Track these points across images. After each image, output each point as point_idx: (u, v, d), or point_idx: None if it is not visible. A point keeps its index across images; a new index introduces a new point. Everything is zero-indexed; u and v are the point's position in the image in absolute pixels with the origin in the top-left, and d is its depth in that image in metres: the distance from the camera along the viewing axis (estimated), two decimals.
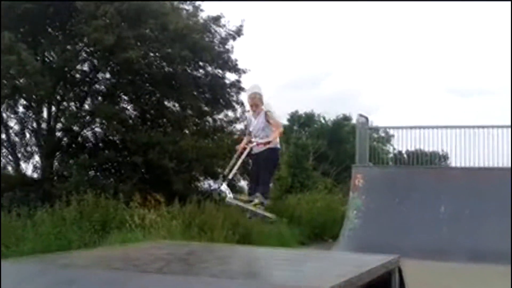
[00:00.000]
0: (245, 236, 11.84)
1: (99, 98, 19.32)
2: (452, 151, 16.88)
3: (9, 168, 18.17)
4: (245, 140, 7.96)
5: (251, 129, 7.80)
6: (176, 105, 20.31)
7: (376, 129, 27.58)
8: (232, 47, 20.13)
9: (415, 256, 9.92)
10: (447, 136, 16.63)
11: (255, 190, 7.70)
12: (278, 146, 7.83)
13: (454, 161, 17.14)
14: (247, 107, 20.87)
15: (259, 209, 7.66)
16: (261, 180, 7.59)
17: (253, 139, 7.72)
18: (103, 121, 18.49)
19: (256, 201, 7.47)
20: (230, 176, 7.66)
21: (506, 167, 15.30)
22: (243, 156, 7.55)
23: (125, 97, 19.93)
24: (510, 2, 24.77)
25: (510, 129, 15.59)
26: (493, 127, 16.02)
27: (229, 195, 7.74)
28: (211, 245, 8.76)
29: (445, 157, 20.70)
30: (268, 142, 7.44)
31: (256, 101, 7.64)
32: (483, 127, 16.17)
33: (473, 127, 16.30)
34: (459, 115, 49.60)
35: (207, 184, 19.42)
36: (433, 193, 15.18)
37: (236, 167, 7.62)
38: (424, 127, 17.14)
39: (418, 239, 13.79)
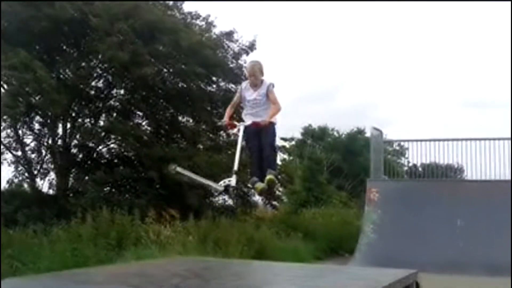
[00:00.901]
0: (260, 251, 11.81)
1: (114, 114, 19.44)
2: (468, 164, 16.76)
3: (25, 185, 18.29)
4: (229, 111, 6.92)
5: (247, 100, 6.72)
6: (190, 120, 20.41)
7: (391, 142, 27.45)
8: (245, 62, 20.20)
9: (431, 270, 9.83)
10: (462, 149, 16.52)
11: (259, 168, 6.69)
12: (274, 121, 6.77)
13: (470, 174, 17.00)
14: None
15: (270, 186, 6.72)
16: (264, 155, 6.58)
17: (245, 114, 6.82)
18: (118, 137, 18.59)
19: (271, 176, 6.48)
20: (236, 167, 6.43)
21: None
22: (240, 140, 6.54)
23: (140, 113, 20.05)
24: None
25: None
26: (509, 139, 15.89)
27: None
28: (226, 260, 8.75)
29: (460, 170, 20.56)
30: (270, 123, 6.60)
31: (256, 71, 6.64)
32: (498, 139, 16.06)
33: (489, 139, 16.19)
34: (475, 127, 49.22)
35: (221, 199, 19.42)
36: (449, 207, 15.07)
37: (238, 155, 6.48)
38: (438, 140, 17.06)
39: (434, 253, 13.68)
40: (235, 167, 6.38)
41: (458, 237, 14.38)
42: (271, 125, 6.66)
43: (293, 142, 36.03)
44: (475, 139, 16.35)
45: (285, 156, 32.39)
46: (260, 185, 6.61)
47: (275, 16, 51.15)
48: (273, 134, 6.82)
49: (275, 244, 13.09)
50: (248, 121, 6.65)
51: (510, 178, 15.58)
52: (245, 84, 6.80)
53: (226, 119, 6.76)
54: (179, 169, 6.64)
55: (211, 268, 5.71)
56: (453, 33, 55.65)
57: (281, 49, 54.20)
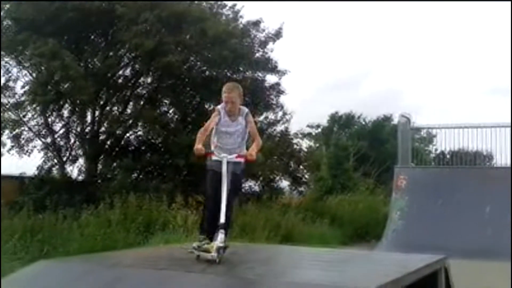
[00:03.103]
0: (286, 237, 11.84)
1: (141, 102, 19.61)
2: (497, 150, 16.52)
3: (55, 171, 18.57)
4: (201, 136, 5.37)
5: (222, 130, 5.49)
6: None
7: (418, 129, 27.15)
8: (272, 50, 20.18)
9: (459, 257, 9.73)
10: (491, 136, 16.28)
11: (216, 220, 5.04)
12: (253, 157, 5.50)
13: (499, 161, 16.77)
14: (287, 109, 20.55)
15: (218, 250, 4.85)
16: (227, 204, 5.03)
17: (215, 145, 5.53)
18: (146, 125, 18.76)
19: (220, 244, 4.85)
20: (223, 220, 4.96)
21: None
22: (225, 178, 5.14)
23: (167, 101, 20.22)
24: None
25: None
26: None
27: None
28: (253, 245, 8.78)
29: (489, 157, 20.26)
30: (251, 160, 5.47)
31: (235, 96, 5.47)
32: None
33: None
34: (503, 114, 48.43)
35: (248, 186, 19.46)
36: (477, 194, 14.89)
37: (225, 201, 5.04)
38: (467, 127, 16.81)
39: (462, 240, 13.54)
40: (222, 219, 4.91)
41: (487, 223, 14.22)
42: (241, 169, 5.50)
43: (319, 130, 36.03)
44: (504, 126, 16.08)
45: (311, 143, 32.41)
46: (213, 246, 4.88)
47: (301, 3, 50.84)
48: (242, 178, 5.87)
49: (301, 230, 13.10)
50: (221, 154, 5.33)
51: None
52: (222, 110, 5.50)
53: (198, 145, 5.26)
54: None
55: (238, 252, 5.71)
56: (481, 19, 54.69)
57: (307, 36, 53.93)
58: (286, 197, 20.92)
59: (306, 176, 22.14)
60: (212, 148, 5.54)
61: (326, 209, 17.96)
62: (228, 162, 5.24)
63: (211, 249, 4.84)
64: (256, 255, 6.28)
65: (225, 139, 5.52)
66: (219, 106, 5.55)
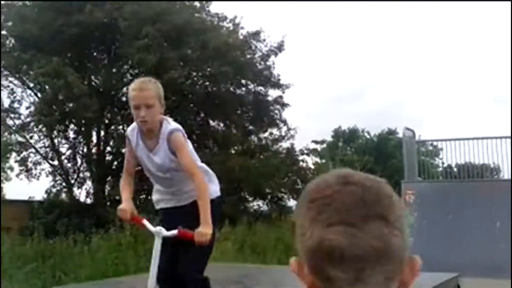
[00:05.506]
0: None
1: None
2: (504, 163, 16.45)
3: (63, 194, 18.66)
4: (124, 187, 3.70)
5: (144, 165, 3.63)
6: (221, 124, 20.50)
7: (424, 143, 27.11)
8: (274, 63, 20.25)
9: (471, 274, 9.69)
10: (497, 148, 16.23)
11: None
12: (217, 193, 3.58)
13: (507, 174, 16.69)
14: (291, 124, 20.38)
15: None
16: (188, 268, 3.35)
17: (154, 191, 3.78)
18: None
19: None
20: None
21: None
22: (155, 255, 3.35)
23: (171, 118, 20.24)
24: None
25: None
26: None
27: None
28: (265, 267, 8.78)
29: (496, 170, 20.21)
30: (202, 242, 3.20)
31: (148, 98, 3.29)
32: None
33: None
34: (508, 125, 48.40)
35: (256, 205, 19.49)
36: (487, 208, 14.81)
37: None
38: (472, 139, 16.75)
39: (474, 256, 13.45)
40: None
41: (499, 239, 14.13)
42: (214, 202, 3.37)
43: (324, 145, 35.98)
44: (509, 137, 16.04)
45: (317, 159, 32.39)
46: None
47: (301, 16, 51.01)
48: (207, 248, 3.30)
49: None
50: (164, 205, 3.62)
51: None
52: (132, 131, 3.50)
53: (123, 205, 3.45)
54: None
55: (251, 275, 5.72)
56: (483, 29, 54.80)
57: (308, 49, 54.07)
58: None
59: None
60: (153, 194, 3.80)
61: None
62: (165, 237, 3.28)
63: None
64: (268, 277, 6.28)
65: (151, 176, 3.61)
66: (129, 129, 3.58)
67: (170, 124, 3.43)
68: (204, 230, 3.16)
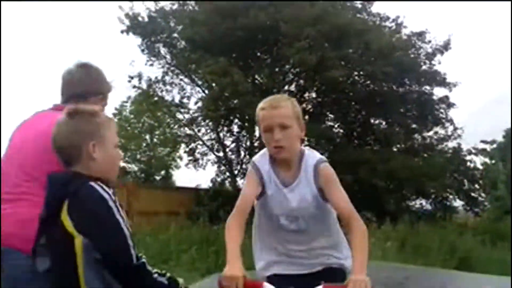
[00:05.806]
0: (463, 261, 10.91)
1: (306, 117, 19.75)
2: None
3: (227, 184, 19.45)
4: (237, 219, 2.70)
5: (276, 213, 2.71)
6: (383, 122, 20.04)
7: None
8: (439, 62, 19.35)
9: None
10: None
11: None
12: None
13: None
14: (458, 123, 19.24)
15: None
16: None
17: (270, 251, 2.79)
18: (311, 139, 18.83)
19: None
20: None
21: None
22: None
23: (331, 116, 20.19)
24: None
25: None
26: None
27: None
28: (428, 269, 8.24)
29: None
30: None
31: (285, 118, 2.63)
32: None
33: None
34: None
35: (418, 203, 18.70)
36: None
37: None
38: None
39: None
40: None
41: None
42: None
43: (495, 145, 33.65)
44: None
45: (487, 160, 30.42)
46: None
47: (470, 14, 48.14)
48: None
49: (479, 254, 12.02)
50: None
51: None
52: (263, 159, 2.68)
53: (230, 269, 2.28)
54: None
55: (413, 277, 5.34)
56: (483, 29, 48.46)
57: (477, 48, 50.96)
58: (461, 217, 19.68)
59: (482, 195, 20.72)
60: (258, 261, 2.78)
61: (506, 231, 16.42)
62: None
63: None
64: (432, 281, 5.84)
65: (275, 230, 2.69)
66: (257, 156, 2.71)
67: (314, 153, 2.70)
68: (361, 276, 2.19)
